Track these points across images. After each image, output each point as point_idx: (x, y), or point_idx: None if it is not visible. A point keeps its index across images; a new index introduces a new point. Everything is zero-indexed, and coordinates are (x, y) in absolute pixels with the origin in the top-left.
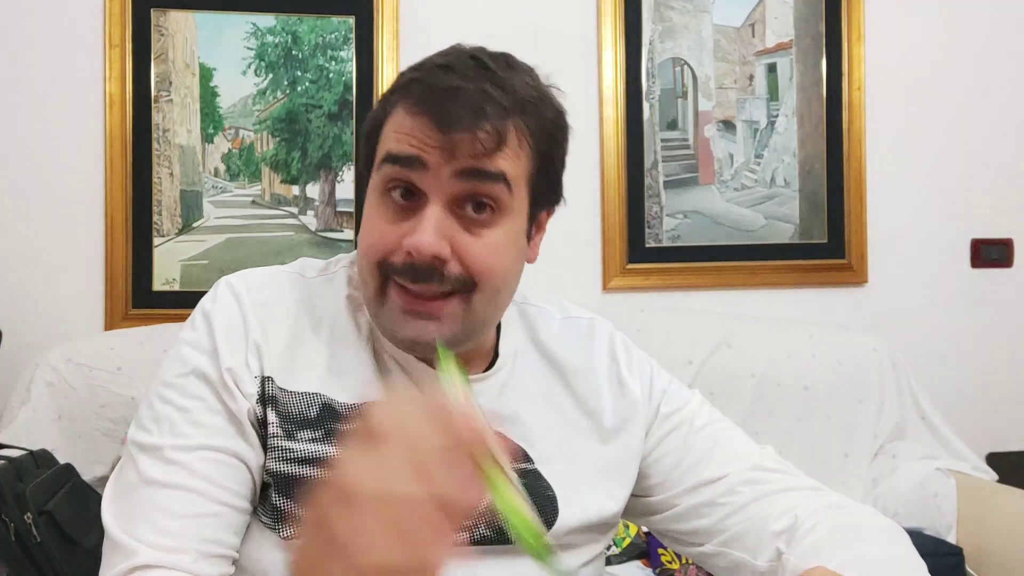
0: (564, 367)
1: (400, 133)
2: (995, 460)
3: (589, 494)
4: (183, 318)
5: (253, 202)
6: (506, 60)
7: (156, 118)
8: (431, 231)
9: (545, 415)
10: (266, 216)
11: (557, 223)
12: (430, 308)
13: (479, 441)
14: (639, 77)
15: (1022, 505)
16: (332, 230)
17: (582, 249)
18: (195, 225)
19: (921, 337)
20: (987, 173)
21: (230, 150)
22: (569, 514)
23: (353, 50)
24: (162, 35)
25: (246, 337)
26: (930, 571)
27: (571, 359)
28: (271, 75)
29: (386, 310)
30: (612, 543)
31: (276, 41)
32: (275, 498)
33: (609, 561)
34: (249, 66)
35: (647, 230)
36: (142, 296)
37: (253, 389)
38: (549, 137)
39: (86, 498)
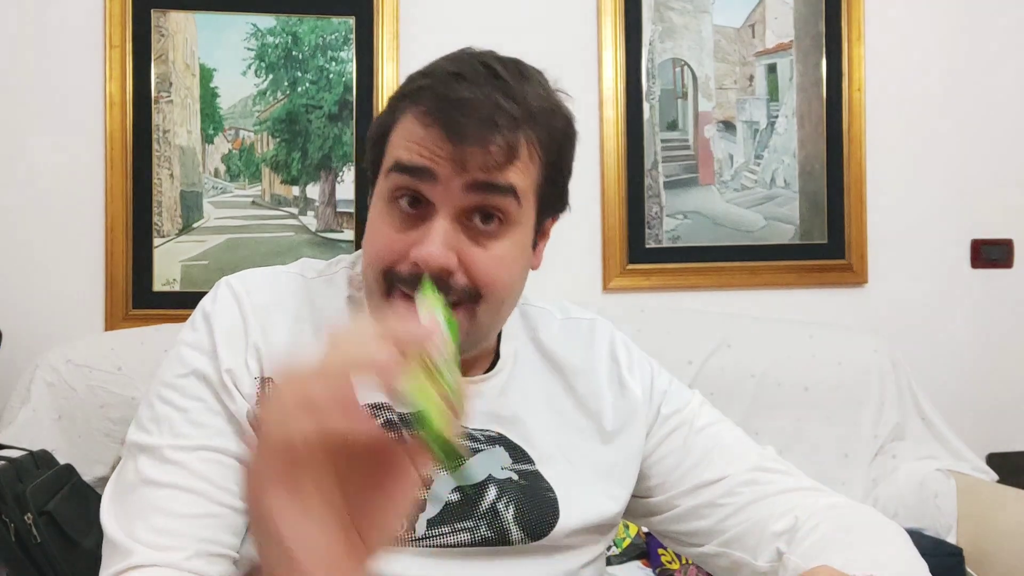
0: (565, 368)
1: (410, 142)
2: (995, 460)
3: (590, 495)
4: (183, 319)
5: (253, 203)
6: (517, 67)
7: (156, 119)
8: (439, 243)
9: (546, 416)
10: (266, 217)
11: (558, 223)
12: None
13: (421, 345)
14: (639, 77)
15: (1022, 505)
16: (332, 231)
17: (582, 249)
18: (195, 226)
19: (921, 337)
20: (987, 173)
21: (230, 151)
22: (570, 515)
23: (353, 51)
24: (162, 36)
25: (246, 338)
26: (930, 571)
27: (572, 360)
28: (271, 76)
29: None
30: (612, 543)
31: (276, 42)
32: None
33: (609, 561)
34: (249, 67)
35: (647, 230)
36: (142, 296)
37: (252, 390)
38: (558, 147)
39: (86, 498)
